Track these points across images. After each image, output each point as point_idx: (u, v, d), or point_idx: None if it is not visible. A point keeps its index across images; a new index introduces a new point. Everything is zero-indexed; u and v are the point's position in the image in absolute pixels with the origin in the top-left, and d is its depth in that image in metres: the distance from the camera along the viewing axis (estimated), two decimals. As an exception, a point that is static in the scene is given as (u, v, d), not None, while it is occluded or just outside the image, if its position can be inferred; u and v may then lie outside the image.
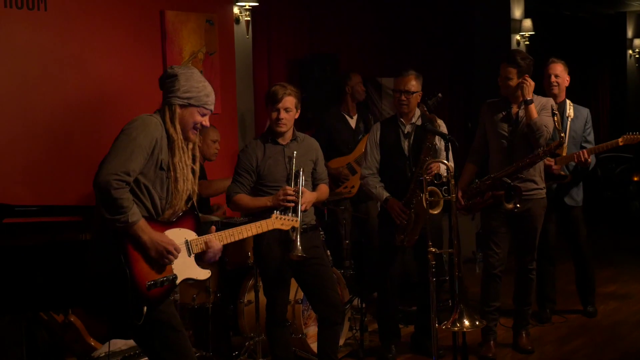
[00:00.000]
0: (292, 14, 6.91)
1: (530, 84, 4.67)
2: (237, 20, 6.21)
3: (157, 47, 5.58)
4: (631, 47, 12.93)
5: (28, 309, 4.03)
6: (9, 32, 4.74)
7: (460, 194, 4.82)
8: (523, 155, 4.71)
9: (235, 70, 6.19)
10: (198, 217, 3.29)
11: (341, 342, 4.88)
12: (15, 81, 4.79)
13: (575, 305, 5.86)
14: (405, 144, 4.73)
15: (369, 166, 4.79)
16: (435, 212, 4.51)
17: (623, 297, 6.31)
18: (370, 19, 7.79)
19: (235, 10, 6.19)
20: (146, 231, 3.02)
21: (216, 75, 5.91)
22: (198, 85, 3.19)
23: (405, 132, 4.75)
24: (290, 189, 4.07)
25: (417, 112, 4.75)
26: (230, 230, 3.38)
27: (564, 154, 5.25)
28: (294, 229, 3.88)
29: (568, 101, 5.46)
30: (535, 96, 4.73)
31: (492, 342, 4.90)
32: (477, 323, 4.11)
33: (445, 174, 4.32)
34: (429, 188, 4.38)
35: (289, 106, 4.14)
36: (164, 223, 3.15)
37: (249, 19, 6.25)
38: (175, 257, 3.12)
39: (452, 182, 4.17)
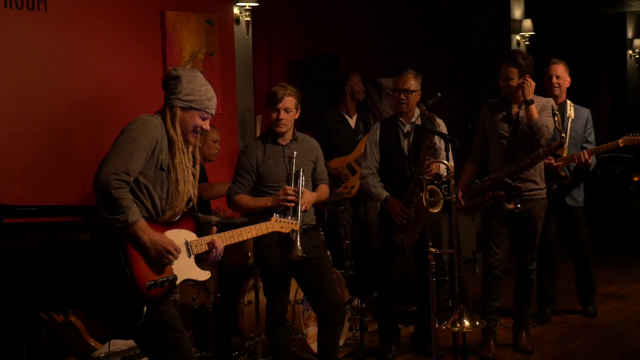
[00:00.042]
0: (292, 14, 6.91)
1: (531, 84, 4.67)
2: (237, 21, 6.21)
3: (157, 47, 5.58)
4: (631, 47, 12.93)
5: (28, 309, 4.03)
6: (9, 32, 4.74)
7: (460, 195, 4.83)
8: (523, 156, 4.71)
9: (235, 71, 6.19)
10: (198, 218, 3.29)
11: (341, 342, 4.88)
12: (15, 81, 4.80)
13: (576, 305, 5.86)
14: (405, 144, 4.73)
15: (368, 166, 4.79)
16: (435, 211, 4.52)
17: (623, 297, 6.31)
18: (370, 19, 7.80)
19: (236, 10, 6.19)
20: (146, 231, 3.03)
21: (216, 76, 5.91)
22: (200, 89, 3.20)
23: (405, 131, 4.75)
24: (290, 189, 4.07)
25: (417, 111, 4.76)
26: (230, 232, 3.38)
27: (565, 155, 5.25)
28: (293, 230, 3.88)
29: (569, 102, 5.46)
30: (536, 96, 4.73)
31: (492, 342, 4.90)
32: (477, 323, 4.11)
33: (445, 174, 4.32)
34: (428, 187, 4.38)
35: (289, 106, 4.14)
36: (164, 224, 3.15)
37: (249, 19, 6.25)
38: (175, 257, 3.12)
39: (452, 182, 4.17)
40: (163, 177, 3.15)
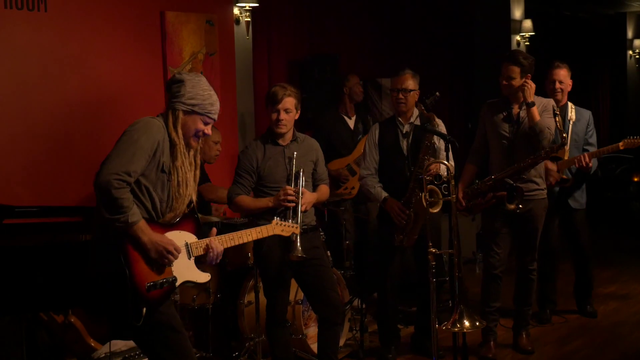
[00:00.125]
0: (292, 15, 6.91)
1: (531, 86, 4.67)
2: (237, 21, 6.20)
3: (157, 47, 5.58)
4: (631, 47, 12.94)
5: (28, 310, 4.03)
6: (9, 32, 4.74)
7: (461, 195, 4.83)
8: (524, 156, 4.70)
9: (235, 71, 6.19)
10: (198, 220, 3.29)
11: (341, 342, 4.88)
12: (15, 82, 4.79)
13: (576, 306, 5.86)
14: (404, 144, 4.73)
15: (367, 166, 4.79)
16: (435, 211, 4.51)
17: (623, 297, 6.31)
18: (370, 20, 7.79)
19: (236, 10, 6.19)
20: (146, 232, 3.03)
21: (216, 76, 5.91)
22: (204, 94, 3.20)
23: (404, 132, 4.75)
24: (290, 189, 4.07)
25: (415, 111, 4.76)
26: (230, 235, 3.38)
27: (566, 158, 5.25)
28: (294, 233, 3.88)
29: (570, 104, 5.46)
30: (536, 97, 4.73)
31: (492, 342, 4.90)
32: (477, 324, 4.11)
33: (446, 174, 4.32)
34: (428, 187, 4.38)
35: (289, 107, 4.14)
36: (164, 225, 3.16)
37: (249, 19, 6.24)
38: (176, 257, 3.12)
39: (452, 182, 4.17)
40: (164, 179, 3.15)
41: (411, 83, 4.70)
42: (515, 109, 4.78)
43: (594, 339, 5.26)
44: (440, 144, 4.69)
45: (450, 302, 5.28)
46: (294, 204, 4.06)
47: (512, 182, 4.68)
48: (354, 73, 6.47)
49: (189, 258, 3.21)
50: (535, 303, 5.31)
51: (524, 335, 5.02)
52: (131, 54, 5.40)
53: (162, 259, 3.08)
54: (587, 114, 5.50)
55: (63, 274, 3.77)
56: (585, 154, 5.25)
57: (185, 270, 3.19)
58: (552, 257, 5.57)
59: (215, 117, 3.26)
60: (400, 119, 4.77)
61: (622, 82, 13.00)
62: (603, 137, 9.79)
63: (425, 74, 4.86)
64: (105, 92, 5.24)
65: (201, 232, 3.29)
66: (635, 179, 10.20)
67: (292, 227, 3.79)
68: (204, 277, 3.27)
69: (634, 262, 7.58)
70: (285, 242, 4.03)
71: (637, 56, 13.00)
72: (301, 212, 4.05)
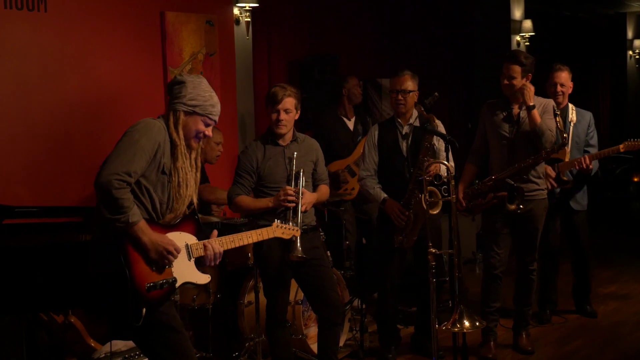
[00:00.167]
0: (292, 15, 6.91)
1: (530, 89, 4.67)
2: (237, 21, 6.20)
3: (157, 48, 5.58)
4: (631, 47, 12.93)
5: (28, 310, 4.03)
6: (9, 33, 4.74)
7: (461, 196, 4.82)
8: (524, 156, 4.70)
9: (235, 72, 6.19)
10: (199, 222, 3.29)
11: (341, 342, 4.88)
12: (15, 82, 4.79)
13: (575, 306, 5.86)
14: (404, 145, 4.73)
15: (366, 168, 4.79)
16: (434, 213, 4.51)
17: (623, 297, 6.32)
18: (370, 20, 7.79)
19: (235, 11, 6.18)
20: (146, 232, 3.03)
21: (216, 76, 5.91)
22: (205, 95, 3.21)
23: (403, 133, 4.74)
24: (290, 189, 4.07)
25: (415, 112, 4.75)
26: (231, 236, 3.38)
27: (567, 159, 5.24)
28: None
29: (571, 105, 5.45)
30: (535, 97, 4.73)
31: (492, 342, 4.90)
32: (477, 324, 4.11)
33: (445, 175, 4.32)
34: (428, 188, 4.38)
35: (289, 107, 4.14)
36: (164, 226, 3.16)
37: (249, 19, 6.24)
38: (175, 257, 3.13)
39: (452, 182, 4.17)
40: (164, 181, 3.15)
41: (410, 84, 4.69)
42: (515, 109, 4.77)
43: (594, 339, 5.26)
44: (440, 145, 4.69)
45: (450, 302, 5.28)
46: (294, 204, 4.06)
47: (512, 183, 4.68)
48: (353, 74, 6.47)
49: (189, 259, 3.21)
50: (535, 303, 5.31)
51: (524, 336, 5.02)
52: (131, 54, 5.40)
53: (162, 259, 3.08)
54: (588, 115, 5.50)
55: (63, 274, 3.77)
56: (586, 156, 5.24)
57: (185, 271, 3.19)
58: (552, 257, 5.57)
59: (216, 118, 3.27)
60: (399, 120, 4.77)
61: (622, 82, 13.00)
62: (603, 137, 9.79)
63: (425, 74, 4.86)
64: (105, 92, 5.24)
65: (202, 233, 3.29)
66: (635, 179, 10.20)
67: (293, 229, 3.79)
68: (203, 278, 3.27)
69: (634, 262, 7.58)
70: (286, 242, 4.03)
71: (637, 56, 13.00)
72: (301, 212, 4.05)
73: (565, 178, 5.28)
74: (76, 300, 3.85)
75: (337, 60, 6.96)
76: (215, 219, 4.89)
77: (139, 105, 5.32)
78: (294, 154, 4.16)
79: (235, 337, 4.97)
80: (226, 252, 3.34)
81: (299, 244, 3.93)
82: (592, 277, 5.88)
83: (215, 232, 3.33)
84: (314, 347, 4.61)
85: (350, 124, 6.30)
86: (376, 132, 4.81)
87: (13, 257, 3.75)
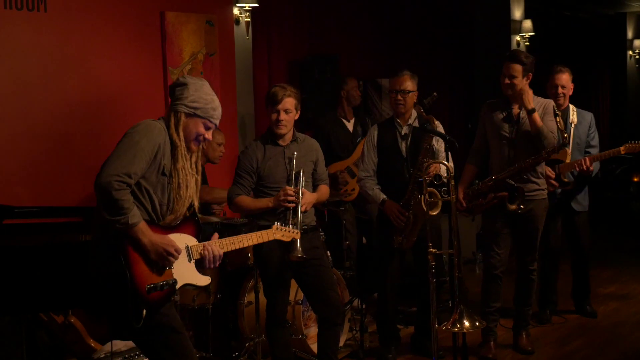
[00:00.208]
0: (292, 15, 6.91)
1: (529, 93, 4.66)
2: (237, 21, 6.20)
3: (157, 48, 5.58)
4: (631, 48, 12.93)
5: (28, 310, 4.02)
6: (9, 33, 4.74)
7: (461, 196, 4.82)
8: (524, 156, 4.70)
9: (235, 72, 6.19)
10: (199, 223, 3.29)
11: (341, 342, 4.88)
12: (15, 82, 4.79)
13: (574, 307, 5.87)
14: (403, 146, 4.73)
15: (366, 168, 4.78)
16: (434, 213, 4.51)
17: (623, 297, 6.32)
18: (370, 20, 7.79)
19: (235, 11, 6.19)
20: (146, 233, 3.03)
21: (216, 77, 5.91)
22: (206, 98, 3.21)
23: (403, 133, 4.74)
24: (290, 189, 4.07)
25: (414, 113, 4.75)
26: (231, 238, 3.38)
27: (568, 160, 5.24)
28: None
29: (571, 106, 5.45)
30: (535, 97, 4.73)
31: (492, 342, 4.90)
32: (477, 324, 4.11)
33: (445, 175, 4.32)
34: (428, 189, 4.38)
35: (289, 107, 4.14)
36: (165, 227, 3.16)
37: (249, 19, 6.24)
38: (176, 258, 3.12)
39: (452, 182, 4.17)
40: (164, 182, 3.15)
41: (410, 84, 4.69)
42: (515, 109, 4.77)
43: (594, 339, 5.26)
44: (439, 145, 4.69)
45: (450, 302, 5.28)
46: (294, 204, 4.06)
47: (513, 183, 4.67)
48: (352, 76, 6.46)
49: (190, 261, 3.21)
50: (536, 303, 5.31)
51: (524, 336, 5.02)
52: (131, 54, 5.40)
53: (162, 260, 3.08)
54: (589, 116, 5.50)
55: (63, 274, 3.77)
56: (586, 158, 5.24)
57: (185, 273, 3.19)
58: (553, 257, 5.57)
59: (217, 122, 3.27)
60: (398, 120, 4.76)
61: (622, 82, 13.00)
62: (603, 137, 9.75)
63: (425, 74, 4.86)
64: (105, 92, 5.24)
65: (202, 234, 3.29)
66: (636, 179, 10.20)
67: (293, 232, 3.79)
68: (204, 280, 3.27)
69: (634, 262, 7.58)
70: (286, 242, 4.03)
71: (637, 56, 13.00)
72: (301, 212, 4.05)
73: (566, 179, 5.28)
74: (76, 300, 3.85)
75: (337, 61, 6.96)
76: (215, 219, 4.89)
77: (139, 106, 5.33)
78: (294, 154, 4.16)
79: (235, 337, 4.97)
80: (226, 253, 3.34)
81: (299, 244, 3.93)
82: (591, 277, 5.88)
83: (216, 234, 3.33)
84: (314, 347, 4.61)
85: (350, 126, 6.30)
86: (375, 133, 4.81)
87: (13, 257, 3.75)
